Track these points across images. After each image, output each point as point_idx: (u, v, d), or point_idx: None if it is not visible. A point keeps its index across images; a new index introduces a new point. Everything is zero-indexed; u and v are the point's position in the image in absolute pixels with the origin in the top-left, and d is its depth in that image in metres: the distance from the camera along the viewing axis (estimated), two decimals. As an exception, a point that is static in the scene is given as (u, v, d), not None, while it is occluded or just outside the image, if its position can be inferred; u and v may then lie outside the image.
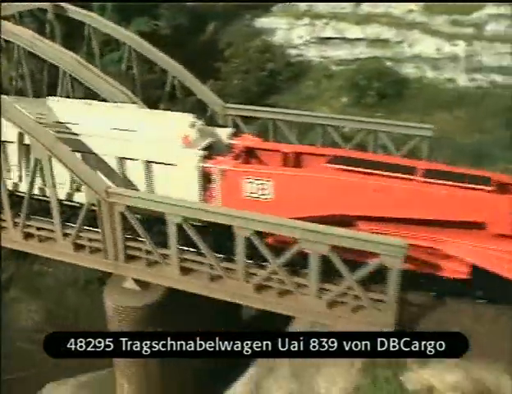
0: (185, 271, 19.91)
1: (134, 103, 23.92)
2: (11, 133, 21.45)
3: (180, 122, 20.38)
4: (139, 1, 37.15)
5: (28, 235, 22.59)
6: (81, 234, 21.22)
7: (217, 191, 19.56)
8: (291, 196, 18.63)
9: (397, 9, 41.66)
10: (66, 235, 21.48)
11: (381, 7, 41.97)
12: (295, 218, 17.64)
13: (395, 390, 16.99)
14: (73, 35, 31.59)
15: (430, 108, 37.17)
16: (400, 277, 16.83)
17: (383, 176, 18.09)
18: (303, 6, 43.17)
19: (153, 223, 20.42)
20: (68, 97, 26.27)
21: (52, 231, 21.81)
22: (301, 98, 38.90)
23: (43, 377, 28.71)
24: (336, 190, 18.20)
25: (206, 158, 19.55)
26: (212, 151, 20.15)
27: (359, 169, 18.33)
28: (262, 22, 43.22)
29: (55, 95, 25.59)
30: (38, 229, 22.24)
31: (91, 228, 21.28)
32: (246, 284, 18.90)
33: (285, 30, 42.63)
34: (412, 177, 18.04)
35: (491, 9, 39.60)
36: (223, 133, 21.24)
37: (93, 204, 19.91)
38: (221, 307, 22.81)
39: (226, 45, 40.59)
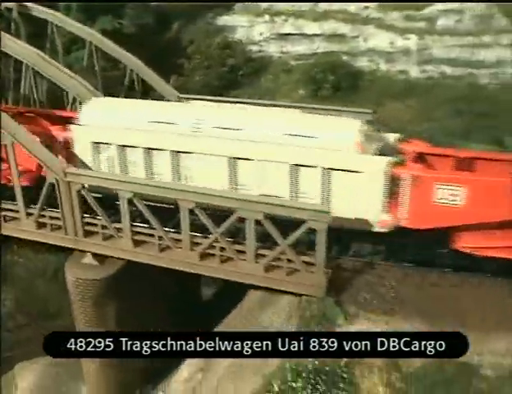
0: (137, 243, 21.63)
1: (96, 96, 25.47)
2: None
3: (350, 128, 20.09)
4: (103, 0, 38.47)
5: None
6: (43, 213, 22.84)
7: (405, 197, 19.45)
8: (483, 201, 18.53)
9: (353, 6, 43.33)
10: (29, 214, 23.09)
11: (337, 4, 43.62)
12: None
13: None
14: (42, 35, 33.08)
15: (383, 99, 38.94)
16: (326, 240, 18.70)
17: None
18: (263, 4, 44.75)
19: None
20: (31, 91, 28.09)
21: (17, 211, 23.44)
22: (261, 92, 40.54)
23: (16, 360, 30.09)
24: None
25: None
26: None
27: None
28: (225, 20, 44.72)
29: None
30: (4, 210, 23.80)
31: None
32: (191, 252, 20.67)
33: (247, 28, 44.17)
34: None
35: (441, 5, 41.41)
36: (391, 137, 21.00)
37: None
38: (180, 282, 24.65)
39: (189, 42, 42.23)
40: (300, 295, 20.16)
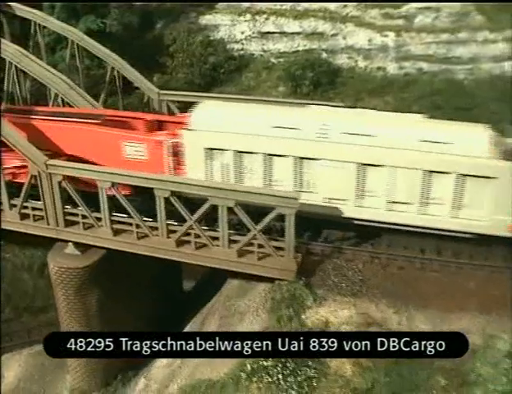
0: (116, 232, 22.48)
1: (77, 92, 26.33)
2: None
3: (481, 133, 20.33)
4: (86, 0, 39.14)
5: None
6: (26, 204, 23.64)
7: None
8: None
9: (333, 4, 44.16)
10: (13, 205, 23.88)
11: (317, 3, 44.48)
12: None
13: (297, 327, 19.52)
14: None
15: (361, 95, 39.95)
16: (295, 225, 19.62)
17: None
18: (245, 3, 45.55)
19: None
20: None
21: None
22: (242, 89, 41.35)
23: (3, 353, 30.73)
24: None
25: None
26: None
27: None
28: (207, 19, 45.44)
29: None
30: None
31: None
32: (168, 240, 21.53)
33: (229, 26, 44.91)
34: None
35: (419, 2, 42.38)
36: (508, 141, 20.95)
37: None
38: (161, 271, 25.56)
39: (172, 41, 42.95)
40: (273, 279, 21.01)
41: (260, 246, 20.69)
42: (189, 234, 21.43)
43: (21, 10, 31.09)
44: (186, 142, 22.17)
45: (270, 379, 18.78)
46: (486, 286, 20.19)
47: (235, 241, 20.94)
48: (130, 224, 22.18)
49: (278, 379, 18.64)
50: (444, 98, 38.04)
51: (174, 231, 21.67)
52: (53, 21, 31.29)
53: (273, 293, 20.76)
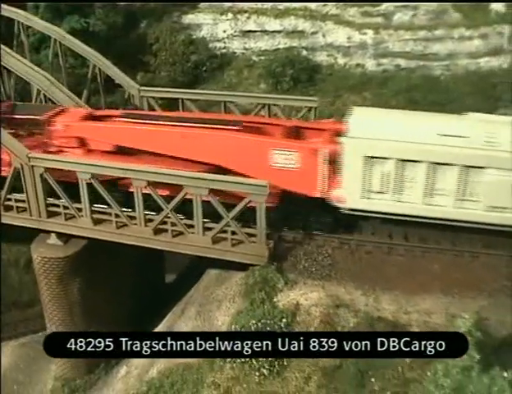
0: (96, 221, 23.33)
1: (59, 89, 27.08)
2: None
3: None
4: (70, 0, 39.88)
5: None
6: (9, 196, 24.46)
7: None
8: None
9: (313, 3, 45.08)
10: (-4, 199, 24.74)
11: (298, 2, 45.43)
12: None
13: (269, 309, 20.40)
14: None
15: (340, 91, 40.97)
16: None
17: None
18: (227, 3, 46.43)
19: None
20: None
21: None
22: (224, 86, 42.29)
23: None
24: None
25: None
26: None
27: None
28: (190, 19, 46.26)
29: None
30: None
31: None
32: (145, 228, 22.40)
33: (211, 25, 45.75)
34: None
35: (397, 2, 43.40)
36: None
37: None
38: (142, 261, 26.43)
39: (155, 40, 43.80)
40: (247, 266, 21.94)
41: (234, 233, 21.48)
42: (166, 223, 22.26)
43: (5, 10, 31.79)
44: (346, 150, 21.16)
45: (243, 359, 19.76)
46: (449, 270, 21.12)
47: (210, 229, 21.75)
48: (110, 214, 22.91)
49: (251, 359, 19.61)
50: (420, 93, 39.28)
51: (152, 221, 22.46)
52: (36, 21, 32.11)
53: (246, 278, 21.61)
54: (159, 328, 25.97)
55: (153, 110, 28.42)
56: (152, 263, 29.14)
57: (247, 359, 19.22)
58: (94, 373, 27.83)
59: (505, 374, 15.51)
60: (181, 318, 24.96)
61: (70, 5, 40.19)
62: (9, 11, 31.99)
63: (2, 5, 31.84)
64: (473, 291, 20.27)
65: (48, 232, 24.56)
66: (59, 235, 24.57)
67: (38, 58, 37.15)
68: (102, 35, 41.25)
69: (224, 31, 45.41)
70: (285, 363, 19.30)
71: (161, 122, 24.02)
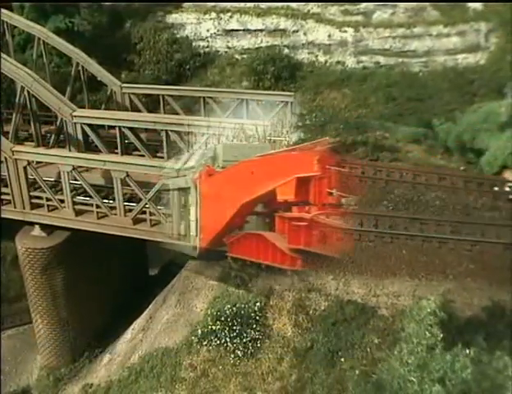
0: (78, 212, 24.11)
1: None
2: None
3: None
4: (55, 0, 40.49)
5: None
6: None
7: None
8: None
9: (294, 2, 45.86)
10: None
11: (280, 1, 46.19)
12: None
13: (243, 294, 21.58)
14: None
15: (321, 88, 41.75)
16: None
17: None
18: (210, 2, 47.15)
19: None
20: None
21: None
22: (207, 84, 42.97)
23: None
24: None
25: None
26: None
27: None
28: (174, 18, 46.91)
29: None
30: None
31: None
32: (125, 218, 23.23)
33: (195, 25, 46.40)
34: None
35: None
36: None
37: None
38: (126, 253, 27.17)
39: (139, 39, 44.49)
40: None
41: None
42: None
43: (-11, 10, 32.54)
44: None
45: (218, 342, 20.67)
46: (417, 255, 21.96)
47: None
48: (91, 205, 23.69)
49: (226, 341, 20.53)
50: (399, 89, 39.98)
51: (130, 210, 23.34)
52: (20, 20, 32.74)
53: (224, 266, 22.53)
54: (142, 317, 26.72)
55: (135, 107, 29.17)
56: (136, 256, 29.92)
57: (222, 342, 20.12)
58: (79, 362, 28.63)
59: (468, 352, 16.13)
60: (163, 307, 25.77)
61: (55, 5, 40.67)
62: (-6, 11, 32.66)
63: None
64: (439, 275, 21.05)
65: (32, 224, 25.18)
66: (43, 227, 25.25)
67: (23, 57, 37.70)
68: (88, 35, 41.77)
69: (207, 30, 46.01)
70: (259, 345, 20.21)
71: None
